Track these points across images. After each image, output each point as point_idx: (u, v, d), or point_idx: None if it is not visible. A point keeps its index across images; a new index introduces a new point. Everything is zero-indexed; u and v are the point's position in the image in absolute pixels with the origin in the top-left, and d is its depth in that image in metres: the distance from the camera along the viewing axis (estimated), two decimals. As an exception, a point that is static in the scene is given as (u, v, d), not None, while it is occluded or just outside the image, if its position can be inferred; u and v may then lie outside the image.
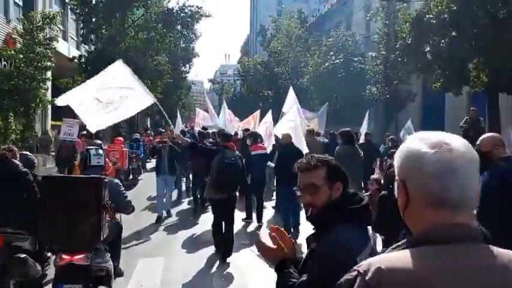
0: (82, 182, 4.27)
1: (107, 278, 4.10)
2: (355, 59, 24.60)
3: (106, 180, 4.26)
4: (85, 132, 12.41)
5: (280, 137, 9.52)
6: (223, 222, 7.08)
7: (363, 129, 16.19)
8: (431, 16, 13.67)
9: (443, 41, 12.95)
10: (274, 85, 36.06)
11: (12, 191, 4.57)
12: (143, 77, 22.39)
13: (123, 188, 5.04)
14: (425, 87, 21.70)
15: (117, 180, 5.24)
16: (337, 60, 24.09)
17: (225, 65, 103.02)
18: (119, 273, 5.00)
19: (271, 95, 38.28)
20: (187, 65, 44.63)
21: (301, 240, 8.26)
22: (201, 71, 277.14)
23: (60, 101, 6.38)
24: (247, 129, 13.27)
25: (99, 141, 12.59)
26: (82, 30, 22.33)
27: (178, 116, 19.05)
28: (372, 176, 7.29)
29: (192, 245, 8.11)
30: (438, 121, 22.09)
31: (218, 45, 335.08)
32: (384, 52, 19.43)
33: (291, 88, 14.19)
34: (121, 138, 14.02)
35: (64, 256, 3.82)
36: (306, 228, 7.73)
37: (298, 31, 35.02)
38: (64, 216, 3.80)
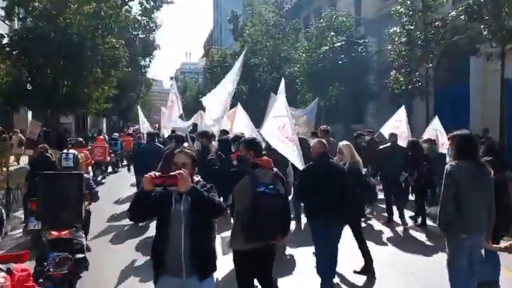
0: (68, 177, 5.20)
1: (82, 249, 4.98)
2: (361, 41, 19.60)
3: (85, 175, 5.61)
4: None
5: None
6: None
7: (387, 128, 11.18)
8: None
9: None
10: (250, 79, 30.68)
11: None
12: (91, 63, 16.54)
13: (92, 182, 6.19)
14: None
15: (87, 175, 6.66)
16: (338, 43, 18.97)
17: (186, 63, 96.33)
18: (87, 248, 5.47)
19: (246, 90, 32.99)
20: (147, 59, 38.64)
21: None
22: (160, 70, 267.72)
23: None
24: (224, 131, 10.25)
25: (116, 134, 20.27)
26: (5, 2, 16.05)
27: (141, 114, 14.06)
28: None
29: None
30: (462, 114, 17.52)
31: (178, 43, 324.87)
32: (411, 27, 14.50)
33: (283, 80, 9.84)
34: (102, 137, 17.51)
35: (53, 232, 4.76)
36: None
37: (276, 16, 29.86)
38: (55, 202, 4.79)
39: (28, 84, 15.82)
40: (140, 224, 8.32)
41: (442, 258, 5.48)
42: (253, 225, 3.91)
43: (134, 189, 10.47)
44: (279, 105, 7.08)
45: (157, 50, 38.29)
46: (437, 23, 14.32)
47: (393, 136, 9.64)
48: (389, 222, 9.00)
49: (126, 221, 8.89)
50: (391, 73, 15.67)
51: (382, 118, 19.25)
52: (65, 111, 18.23)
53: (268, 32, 29.53)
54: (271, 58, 29.66)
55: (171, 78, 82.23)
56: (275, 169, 4.37)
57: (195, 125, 13.19)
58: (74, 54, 15.39)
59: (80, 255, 4.87)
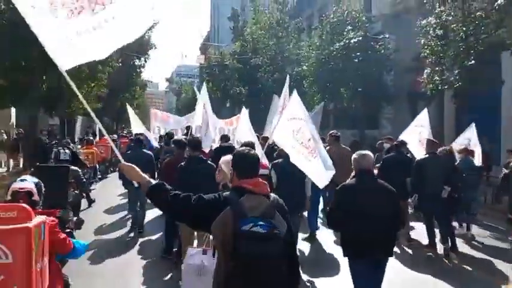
0: (58, 169, 6.77)
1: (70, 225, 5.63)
2: (380, 37, 17.17)
3: (71, 168, 7.14)
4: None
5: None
6: None
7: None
8: None
9: None
10: (251, 80, 28.23)
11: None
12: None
13: (81, 174, 7.98)
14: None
15: (77, 168, 7.87)
16: (355, 39, 16.54)
17: (182, 66, 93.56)
18: (78, 225, 7.09)
19: (245, 92, 30.57)
20: (143, 58, 36.03)
21: None
22: (156, 72, 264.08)
23: None
24: (225, 137, 9.43)
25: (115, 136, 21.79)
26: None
27: (132, 114, 12.13)
28: None
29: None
30: (491, 120, 15.14)
31: (173, 45, 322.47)
32: (448, 18, 12.02)
33: (288, 77, 8.43)
34: (106, 137, 16.10)
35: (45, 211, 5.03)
36: None
37: (279, 14, 27.48)
38: (48, 187, 4.45)
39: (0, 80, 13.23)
40: (128, 238, 8.06)
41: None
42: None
43: (125, 201, 9.51)
44: (293, 106, 5.96)
45: (153, 50, 35.85)
46: (478, 13, 11.89)
47: (434, 145, 7.73)
48: (430, 247, 7.45)
49: (114, 235, 8.25)
50: (426, 71, 13.11)
51: (399, 123, 16.99)
52: (45, 110, 15.64)
53: (271, 30, 27.13)
54: (273, 58, 27.27)
55: (167, 80, 79.78)
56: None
57: (188, 128, 11.32)
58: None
59: (68, 230, 5.40)
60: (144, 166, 7.87)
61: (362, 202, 4.06)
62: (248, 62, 28.68)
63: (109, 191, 12.91)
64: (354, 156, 4.40)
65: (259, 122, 12.89)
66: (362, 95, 17.48)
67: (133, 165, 2.86)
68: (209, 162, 5.95)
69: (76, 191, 7.78)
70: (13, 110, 19.96)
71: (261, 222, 2.55)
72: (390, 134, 14.06)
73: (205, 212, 2.66)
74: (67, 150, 8.51)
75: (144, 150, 8.58)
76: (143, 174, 2.85)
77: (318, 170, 5.62)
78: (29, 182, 3.47)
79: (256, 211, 2.62)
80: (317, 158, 5.61)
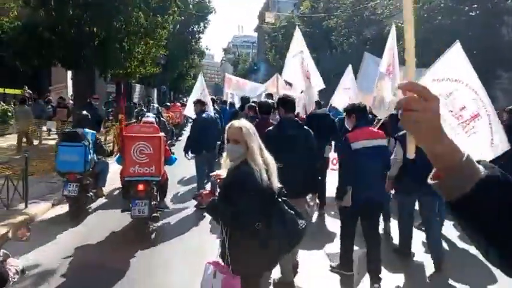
0: (161, 123, 11.00)
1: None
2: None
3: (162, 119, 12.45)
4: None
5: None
6: None
7: None
8: None
9: None
10: (321, 45, 25.01)
11: None
12: (131, 6, 11.56)
13: (167, 124, 12.66)
14: None
15: (164, 119, 12.60)
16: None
17: (239, 36, 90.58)
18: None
19: (314, 59, 27.27)
20: (202, 24, 33.65)
21: None
22: (212, 44, 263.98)
23: None
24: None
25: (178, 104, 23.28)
26: None
27: (201, 79, 10.63)
28: None
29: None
30: None
31: (230, 16, 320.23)
32: None
33: (393, 28, 6.55)
34: (179, 104, 22.30)
35: None
36: None
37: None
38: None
39: (45, 32, 11.04)
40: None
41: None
42: None
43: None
44: (448, 64, 4.59)
45: (213, 14, 33.39)
46: None
47: None
48: None
49: (189, 204, 7.64)
50: None
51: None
52: (100, 73, 13.45)
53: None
54: (348, 20, 23.77)
55: (223, 49, 77.34)
56: None
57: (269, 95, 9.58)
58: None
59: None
60: (210, 130, 7.79)
61: None
62: (319, 25, 25.37)
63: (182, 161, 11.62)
64: None
65: (332, 92, 10.48)
66: (472, 60, 13.95)
67: None
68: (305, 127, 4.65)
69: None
70: (69, 72, 18.02)
71: None
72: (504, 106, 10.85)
73: None
74: (152, 113, 10.66)
75: (207, 113, 8.17)
76: None
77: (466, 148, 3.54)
78: (151, 118, 6.86)
79: None
80: (470, 134, 4.45)
